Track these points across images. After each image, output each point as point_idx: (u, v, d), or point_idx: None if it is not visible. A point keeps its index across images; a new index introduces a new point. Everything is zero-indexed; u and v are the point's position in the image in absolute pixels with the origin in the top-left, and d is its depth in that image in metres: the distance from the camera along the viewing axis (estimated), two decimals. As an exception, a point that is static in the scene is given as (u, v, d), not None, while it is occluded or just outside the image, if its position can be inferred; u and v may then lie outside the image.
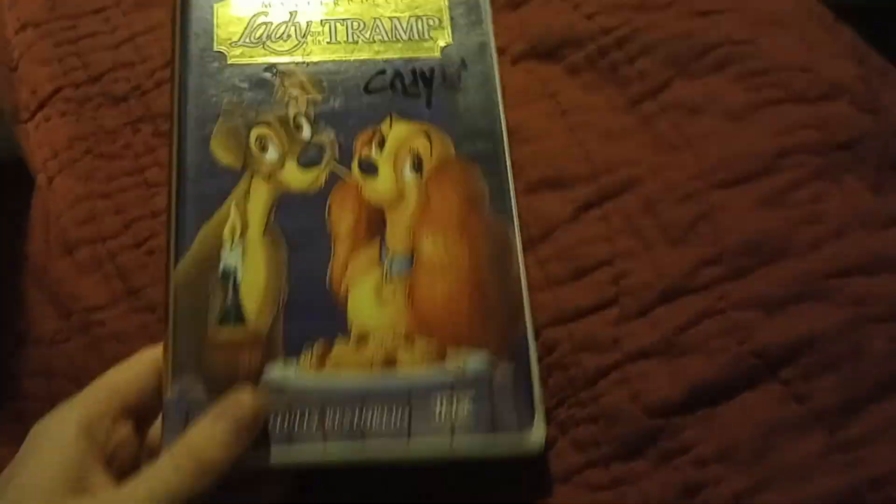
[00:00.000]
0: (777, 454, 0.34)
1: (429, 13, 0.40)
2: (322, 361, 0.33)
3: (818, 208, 0.38)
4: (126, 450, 0.32)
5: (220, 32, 0.39)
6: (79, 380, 0.38)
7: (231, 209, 0.35)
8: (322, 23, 0.40)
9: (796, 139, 0.40)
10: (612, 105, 0.43)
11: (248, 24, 0.39)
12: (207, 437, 0.30)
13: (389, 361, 0.34)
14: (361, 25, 0.40)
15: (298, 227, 0.35)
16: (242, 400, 0.31)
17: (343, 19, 0.40)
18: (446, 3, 0.41)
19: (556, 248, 0.39)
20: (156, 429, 0.33)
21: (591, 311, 0.38)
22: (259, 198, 0.36)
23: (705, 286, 0.37)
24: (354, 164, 0.37)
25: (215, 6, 0.40)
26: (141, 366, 0.33)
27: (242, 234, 0.35)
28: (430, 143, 0.37)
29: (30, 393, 0.39)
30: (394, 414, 0.33)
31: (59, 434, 0.30)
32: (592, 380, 0.36)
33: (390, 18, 0.40)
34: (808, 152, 0.40)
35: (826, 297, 0.36)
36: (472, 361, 0.34)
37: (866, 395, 0.34)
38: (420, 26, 0.40)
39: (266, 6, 0.40)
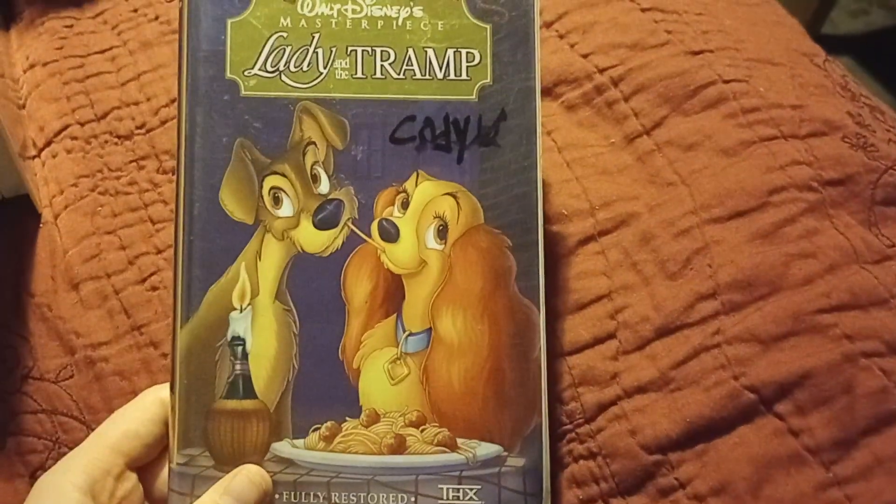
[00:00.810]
0: (773, 488, 0.34)
1: (468, 45, 0.35)
2: (331, 439, 0.33)
3: (811, 244, 0.39)
4: (131, 501, 0.32)
5: (234, 56, 0.34)
6: (83, 416, 0.39)
7: (241, 271, 0.33)
8: (347, 51, 0.35)
9: (788, 175, 0.41)
10: (608, 142, 0.44)
11: (264, 46, 0.34)
12: None
13: (399, 444, 0.33)
14: (391, 56, 0.35)
15: (311, 293, 0.33)
16: (250, 477, 0.31)
17: (371, 48, 0.35)
18: (489, 34, 0.35)
19: (555, 282, 0.40)
20: (162, 482, 0.33)
21: (591, 345, 0.38)
22: (271, 259, 0.33)
23: (701, 320, 0.38)
24: (374, 227, 0.34)
25: (228, 22, 0.34)
26: (145, 412, 0.33)
27: (252, 299, 0.33)
28: (458, 208, 0.34)
29: (34, 429, 0.39)
30: (400, 500, 0.32)
31: (62, 496, 0.30)
32: (592, 415, 0.37)
33: (423, 49, 0.35)
34: (801, 188, 0.40)
35: (819, 331, 0.37)
36: (482, 453, 0.33)
37: (860, 430, 0.35)
38: (457, 62, 0.35)
39: (286, 25, 0.35)
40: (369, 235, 0.34)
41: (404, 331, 0.34)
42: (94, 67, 0.48)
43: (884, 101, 0.50)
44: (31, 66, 0.49)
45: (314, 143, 0.34)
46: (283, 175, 0.34)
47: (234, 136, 0.34)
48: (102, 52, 0.49)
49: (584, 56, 0.46)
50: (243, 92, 0.34)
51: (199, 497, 0.31)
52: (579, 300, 0.39)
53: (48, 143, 0.46)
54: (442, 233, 0.34)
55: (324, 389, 0.33)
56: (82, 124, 0.46)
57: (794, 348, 0.37)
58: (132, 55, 0.48)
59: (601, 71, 0.45)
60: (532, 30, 0.35)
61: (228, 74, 0.34)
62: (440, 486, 0.32)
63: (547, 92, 0.45)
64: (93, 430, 0.33)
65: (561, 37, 0.46)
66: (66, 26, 0.51)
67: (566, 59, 0.46)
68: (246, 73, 0.34)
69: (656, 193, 0.41)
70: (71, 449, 0.33)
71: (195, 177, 0.34)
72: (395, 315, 0.34)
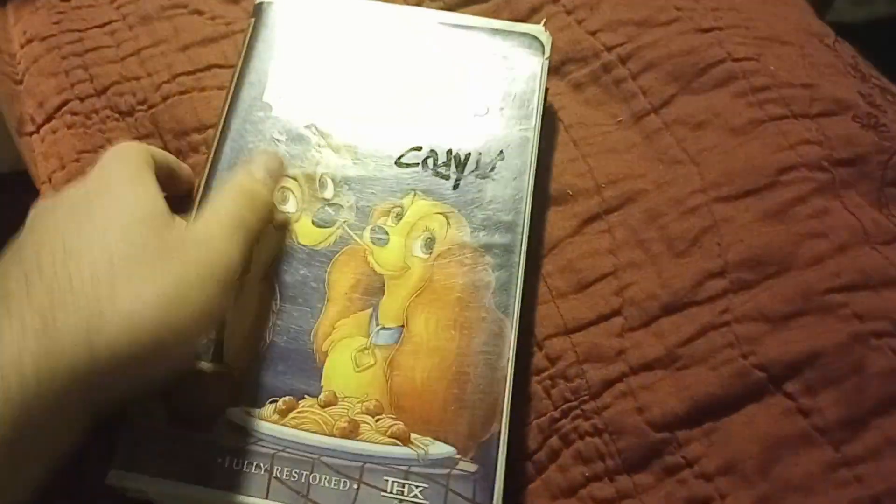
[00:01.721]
0: (782, 468, 0.34)
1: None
2: (285, 414, 0.33)
3: (821, 223, 0.38)
4: None
5: (272, 85, 0.40)
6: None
7: None
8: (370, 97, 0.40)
9: (798, 154, 0.40)
10: (615, 120, 0.43)
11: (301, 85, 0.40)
12: (251, 177, 0.34)
13: (351, 429, 0.32)
14: (406, 101, 0.40)
15: (297, 279, 0.35)
16: (270, 153, 0.36)
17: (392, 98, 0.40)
18: (499, 94, 0.40)
19: (560, 261, 0.39)
20: None
21: (595, 322, 0.38)
22: (267, 244, 0.36)
23: (710, 299, 0.37)
24: (367, 231, 0.36)
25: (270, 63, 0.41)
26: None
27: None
28: (447, 226, 0.36)
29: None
30: (342, 485, 0.31)
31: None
32: (597, 392, 0.36)
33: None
34: (811, 168, 0.40)
35: (829, 311, 0.36)
36: (434, 452, 0.32)
37: (869, 411, 0.34)
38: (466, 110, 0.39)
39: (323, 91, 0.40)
40: (361, 238, 0.36)
41: (377, 324, 0.35)
42: (93, 42, 0.47)
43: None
44: (29, 41, 0.49)
45: (327, 158, 0.38)
46: (294, 179, 0.38)
47: (259, 144, 0.38)
48: (101, 26, 0.48)
49: (592, 33, 0.45)
50: (274, 112, 0.39)
51: (147, 449, 0.32)
52: (584, 279, 0.39)
53: (49, 119, 0.46)
54: (429, 244, 0.36)
55: (289, 365, 0.34)
56: (82, 99, 0.45)
57: (804, 328, 0.36)
58: (132, 30, 0.48)
59: (609, 49, 0.44)
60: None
61: (265, 98, 0.39)
62: (385, 477, 0.32)
63: (554, 70, 0.45)
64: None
65: (568, 13, 0.46)
66: (64, 0, 0.50)
67: (574, 37, 0.45)
68: (281, 97, 0.40)
69: (664, 171, 0.41)
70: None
71: (217, 169, 0.38)
72: (371, 309, 0.35)
